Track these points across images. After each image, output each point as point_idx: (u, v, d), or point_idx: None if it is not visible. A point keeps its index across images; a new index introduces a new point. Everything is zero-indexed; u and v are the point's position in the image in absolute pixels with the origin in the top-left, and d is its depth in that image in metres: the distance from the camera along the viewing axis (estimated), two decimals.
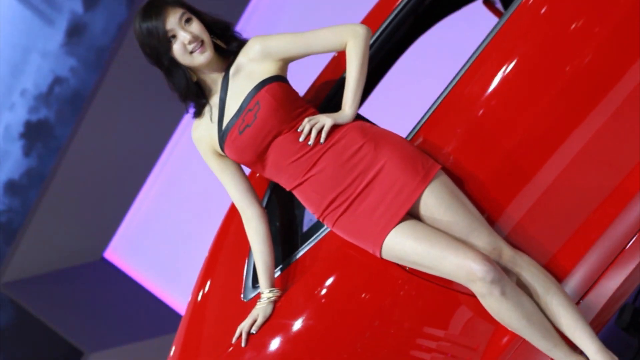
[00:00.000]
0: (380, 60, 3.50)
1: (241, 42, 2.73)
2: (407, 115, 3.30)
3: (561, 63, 2.54)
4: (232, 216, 2.99)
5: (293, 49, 2.67)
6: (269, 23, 6.45)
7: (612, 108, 2.54)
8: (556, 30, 2.55)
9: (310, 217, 2.77)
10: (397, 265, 2.58)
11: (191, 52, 2.64)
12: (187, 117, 2.81)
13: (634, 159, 2.59)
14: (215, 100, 2.72)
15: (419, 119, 2.68)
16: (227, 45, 2.72)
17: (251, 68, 2.69)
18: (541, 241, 2.60)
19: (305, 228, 2.79)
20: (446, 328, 2.62)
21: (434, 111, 2.64)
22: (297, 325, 2.63)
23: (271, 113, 2.61)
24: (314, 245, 2.71)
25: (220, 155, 2.75)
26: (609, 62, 2.53)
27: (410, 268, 2.57)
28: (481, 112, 2.57)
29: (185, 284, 3.81)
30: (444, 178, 2.55)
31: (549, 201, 2.57)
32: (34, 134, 6.93)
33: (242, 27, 2.82)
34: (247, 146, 2.64)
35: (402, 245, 2.50)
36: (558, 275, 2.61)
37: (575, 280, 2.62)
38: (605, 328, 2.79)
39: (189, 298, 3.02)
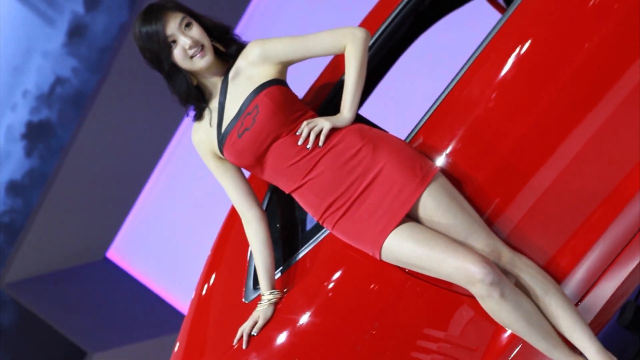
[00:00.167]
0: (380, 60, 3.50)
1: (240, 46, 2.73)
2: (406, 116, 3.30)
3: (560, 64, 2.53)
4: (234, 216, 2.99)
5: (292, 53, 2.66)
6: (268, 26, 6.45)
7: (611, 109, 2.54)
8: (556, 30, 2.55)
9: (311, 218, 2.78)
10: (397, 267, 2.58)
11: (192, 57, 2.64)
12: (189, 117, 2.81)
13: (633, 159, 2.59)
14: (214, 104, 2.73)
15: (418, 119, 2.68)
16: (226, 48, 2.72)
17: (250, 71, 2.69)
18: (540, 243, 2.60)
19: (306, 229, 2.80)
20: (446, 329, 2.62)
21: (433, 112, 2.63)
22: (298, 326, 2.64)
23: (270, 116, 2.61)
24: (314, 247, 2.71)
25: (220, 158, 2.75)
26: (608, 63, 2.53)
27: (409, 270, 2.58)
28: (480, 113, 2.57)
29: (187, 284, 3.81)
30: (442, 180, 2.55)
31: (548, 202, 2.57)
32: (36, 134, 6.93)
33: (241, 30, 2.82)
34: (246, 149, 2.64)
35: (401, 247, 2.50)
36: (557, 276, 2.61)
37: (574, 281, 2.62)
38: (606, 326, 2.79)
39: (191, 297, 3.03)
